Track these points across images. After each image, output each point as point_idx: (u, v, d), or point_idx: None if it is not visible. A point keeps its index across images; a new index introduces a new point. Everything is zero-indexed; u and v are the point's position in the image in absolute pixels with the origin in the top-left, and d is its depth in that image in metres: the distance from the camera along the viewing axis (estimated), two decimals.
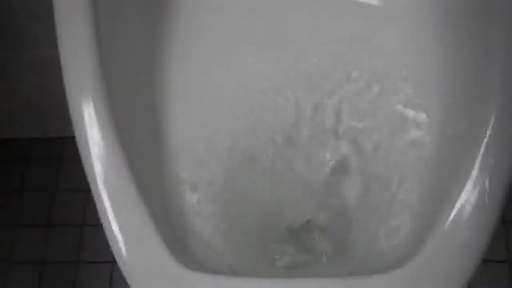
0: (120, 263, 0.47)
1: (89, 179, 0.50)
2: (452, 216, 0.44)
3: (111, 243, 0.47)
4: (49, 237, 1.04)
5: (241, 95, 0.67)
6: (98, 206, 0.49)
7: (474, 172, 0.45)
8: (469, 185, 0.45)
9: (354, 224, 0.65)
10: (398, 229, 0.56)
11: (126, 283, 0.47)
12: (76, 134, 0.51)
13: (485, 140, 0.46)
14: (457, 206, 0.45)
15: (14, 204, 1.08)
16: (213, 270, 0.51)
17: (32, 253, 1.04)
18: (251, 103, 0.66)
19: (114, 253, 0.47)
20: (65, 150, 1.11)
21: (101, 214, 0.48)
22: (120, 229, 0.47)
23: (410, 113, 0.62)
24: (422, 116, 0.61)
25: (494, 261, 0.92)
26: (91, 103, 0.51)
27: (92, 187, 0.49)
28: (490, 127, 0.46)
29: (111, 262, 1.00)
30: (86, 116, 0.51)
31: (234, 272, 0.55)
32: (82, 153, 0.51)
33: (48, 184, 1.09)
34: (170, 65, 0.66)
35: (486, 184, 0.45)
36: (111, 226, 0.47)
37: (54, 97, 0.98)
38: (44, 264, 1.03)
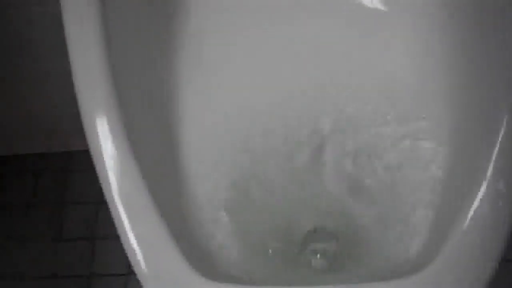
0: (139, 275, 0.47)
1: (105, 191, 0.50)
2: (469, 218, 0.44)
3: (129, 255, 0.47)
4: (59, 251, 1.04)
5: (254, 97, 0.67)
6: (114, 218, 0.49)
7: (489, 173, 0.45)
8: (484, 186, 0.45)
9: (367, 231, 0.65)
10: (414, 233, 0.55)
11: None
12: (90, 147, 0.52)
13: (499, 140, 0.46)
14: (474, 207, 0.44)
15: (24, 218, 1.08)
16: (232, 279, 0.51)
17: (43, 267, 1.03)
18: (265, 105, 0.66)
19: (133, 265, 0.47)
20: (71, 164, 1.11)
21: (118, 226, 0.48)
22: (137, 241, 0.47)
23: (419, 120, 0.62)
24: (432, 123, 0.61)
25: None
26: (105, 116, 0.52)
27: (108, 199, 0.49)
28: (503, 127, 0.46)
29: (125, 274, 1.00)
30: (99, 129, 0.51)
31: (252, 280, 0.55)
32: (97, 166, 0.51)
33: (57, 198, 1.09)
34: (182, 71, 0.66)
35: (501, 185, 0.45)
36: (128, 238, 0.47)
37: (57, 110, 0.99)
38: (56, 278, 1.03)
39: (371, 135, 0.64)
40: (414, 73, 0.64)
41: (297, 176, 0.66)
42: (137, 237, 0.47)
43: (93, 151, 0.51)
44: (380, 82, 0.65)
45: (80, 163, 1.09)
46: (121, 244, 0.48)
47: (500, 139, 0.46)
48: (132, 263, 0.47)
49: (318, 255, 0.65)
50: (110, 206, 0.49)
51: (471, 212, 0.44)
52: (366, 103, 0.65)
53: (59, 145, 1.12)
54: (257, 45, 0.68)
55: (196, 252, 0.53)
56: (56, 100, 0.98)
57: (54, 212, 1.08)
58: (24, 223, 1.07)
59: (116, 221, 0.48)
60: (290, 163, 0.66)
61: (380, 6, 0.68)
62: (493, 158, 0.45)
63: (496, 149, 0.46)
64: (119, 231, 0.48)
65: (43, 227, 1.07)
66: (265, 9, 0.69)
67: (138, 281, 0.48)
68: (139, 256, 0.47)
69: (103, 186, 0.50)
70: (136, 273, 0.47)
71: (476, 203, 0.44)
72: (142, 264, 0.47)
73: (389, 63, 0.66)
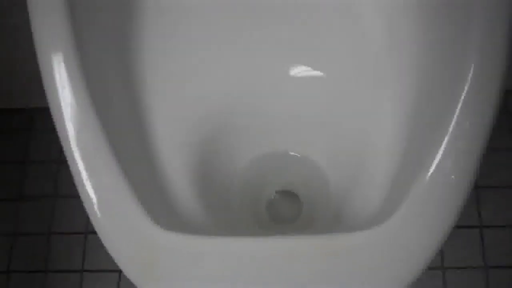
0: (95, 224, 0.46)
1: (62, 141, 0.49)
2: (430, 173, 0.44)
3: (85, 204, 0.47)
4: (20, 210, 1.03)
5: (220, 63, 0.66)
6: (71, 168, 0.48)
7: (451, 129, 0.45)
8: (446, 142, 0.45)
9: (330, 188, 0.65)
10: (374, 189, 0.56)
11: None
12: (48, 96, 0.50)
13: (462, 98, 0.46)
14: (435, 163, 0.45)
15: None
16: (191, 230, 0.50)
17: (3, 226, 1.02)
18: (230, 73, 0.65)
19: (89, 214, 0.46)
20: (35, 122, 1.09)
21: (74, 175, 0.47)
22: (94, 190, 0.46)
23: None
24: (395, 83, 0.60)
25: (465, 227, 0.94)
26: (63, 63, 0.50)
27: (65, 149, 0.48)
28: (466, 86, 0.46)
29: (84, 232, 0.99)
30: (57, 77, 0.50)
31: (211, 232, 0.55)
32: (54, 114, 0.49)
33: (19, 156, 1.07)
34: (145, 27, 0.64)
35: (463, 142, 0.45)
36: (85, 187, 0.47)
37: (20, 67, 0.96)
38: (15, 236, 1.02)
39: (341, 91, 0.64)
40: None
41: (261, 147, 0.66)
42: (93, 186, 0.47)
43: (50, 100, 0.50)
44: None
45: (43, 121, 1.08)
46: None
47: (463, 97, 0.46)
48: (89, 214, 0.46)
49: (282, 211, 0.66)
50: (67, 155, 0.48)
51: (433, 167, 0.44)
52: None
53: (21, 102, 1.09)
54: (229, 34, 0.67)
55: (156, 203, 0.52)
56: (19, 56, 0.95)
57: (15, 169, 1.06)
58: None
59: (72, 170, 0.47)
60: (256, 134, 0.66)
61: None
62: (455, 115, 0.45)
63: (459, 107, 0.45)
64: (75, 179, 0.47)
65: (4, 186, 1.05)
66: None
67: (97, 239, 0.47)
68: (95, 205, 0.46)
69: (60, 134, 0.49)
70: (93, 224, 0.47)
71: (438, 159, 0.44)
72: (98, 213, 0.46)
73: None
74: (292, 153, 0.69)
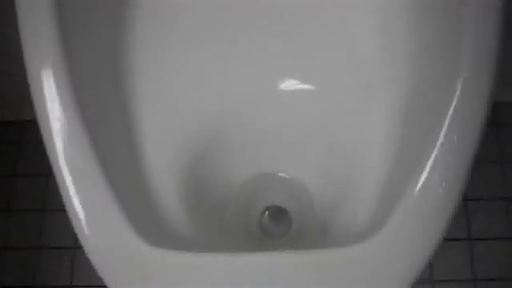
0: (82, 240, 0.46)
1: (50, 155, 0.48)
2: (418, 187, 0.44)
3: (72, 220, 0.46)
4: (8, 222, 1.02)
5: (211, 76, 0.66)
6: (59, 182, 0.47)
7: (439, 143, 0.45)
8: (434, 156, 0.45)
9: (317, 203, 0.65)
10: (363, 204, 0.56)
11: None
12: (36, 109, 0.50)
13: (450, 112, 0.46)
14: (424, 176, 0.45)
15: None
16: (179, 246, 0.50)
17: None
18: (221, 86, 0.65)
19: (76, 230, 0.46)
20: (25, 134, 1.09)
21: (62, 191, 0.47)
22: (82, 205, 0.46)
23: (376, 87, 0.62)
24: (385, 92, 0.61)
25: (455, 239, 0.94)
26: (52, 77, 0.50)
27: (52, 163, 0.48)
28: (455, 98, 0.46)
29: (73, 247, 0.99)
30: (46, 91, 0.49)
31: (201, 249, 0.55)
32: (42, 128, 0.49)
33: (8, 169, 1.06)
34: (136, 41, 0.64)
35: (451, 156, 0.45)
36: (72, 203, 0.46)
37: (11, 79, 0.96)
38: (3, 249, 1.01)
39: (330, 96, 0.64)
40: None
41: (252, 163, 0.66)
42: (81, 202, 0.46)
43: (38, 114, 0.49)
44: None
45: (34, 135, 1.07)
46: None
47: (451, 111, 0.46)
48: (76, 229, 0.46)
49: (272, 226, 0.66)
50: (55, 170, 0.48)
51: (421, 180, 0.44)
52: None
53: (11, 114, 1.09)
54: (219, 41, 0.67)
55: (144, 219, 0.52)
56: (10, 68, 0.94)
57: (4, 182, 1.05)
58: None
59: (60, 185, 0.47)
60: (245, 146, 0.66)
61: None
62: (444, 129, 0.45)
63: (447, 120, 0.45)
64: (63, 195, 0.46)
65: None
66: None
67: (84, 253, 0.46)
68: (83, 221, 0.46)
69: (48, 149, 0.48)
70: (80, 241, 0.46)
71: (426, 172, 0.44)
72: (85, 229, 0.46)
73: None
74: (281, 174, 0.69)
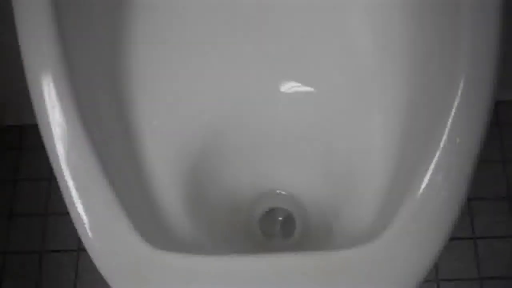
0: (86, 245, 0.46)
1: (52, 161, 0.48)
2: (422, 187, 0.44)
3: (76, 225, 0.46)
4: (11, 227, 1.02)
5: (210, 78, 0.65)
6: (61, 187, 0.47)
7: (443, 144, 0.45)
8: (437, 156, 0.45)
9: (318, 206, 0.65)
10: (365, 207, 0.55)
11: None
12: (37, 115, 0.50)
13: (453, 111, 0.45)
14: (427, 177, 0.44)
15: None
16: (182, 249, 0.50)
17: None
18: (220, 88, 0.65)
19: (80, 235, 0.46)
20: (25, 138, 1.08)
21: (64, 196, 0.47)
22: (85, 210, 0.46)
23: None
24: (387, 95, 0.60)
25: (459, 238, 0.94)
26: (52, 83, 0.50)
27: (55, 169, 0.48)
28: (457, 98, 0.46)
29: (76, 250, 0.99)
30: (46, 96, 0.49)
31: (203, 252, 0.55)
32: (44, 134, 0.49)
33: (10, 173, 1.06)
34: (134, 44, 0.64)
35: (454, 157, 0.45)
36: (75, 207, 0.46)
37: (10, 84, 0.95)
38: (5, 254, 1.00)
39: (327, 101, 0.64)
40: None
41: (251, 161, 0.66)
42: (84, 206, 0.46)
43: (39, 120, 0.49)
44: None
45: (34, 138, 1.06)
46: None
47: (453, 111, 0.45)
48: (80, 234, 0.46)
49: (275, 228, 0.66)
50: (57, 176, 0.47)
51: (425, 182, 0.44)
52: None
53: (12, 119, 1.09)
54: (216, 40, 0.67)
55: (147, 222, 0.52)
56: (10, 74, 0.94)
57: (5, 188, 1.05)
58: None
59: (62, 190, 0.47)
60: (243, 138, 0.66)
61: None
62: (447, 129, 0.45)
63: (450, 121, 0.45)
64: (66, 200, 0.46)
65: None
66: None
67: (89, 257, 0.46)
68: (86, 225, 0.46)
69: (50, 155, 0.48)
70: (84, 245, 0.46)
71: (429, 173, 0.44)
72: (90, 233, 0.45)
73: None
74: (281, 177, 0.68)
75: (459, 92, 0.46)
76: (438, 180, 0.44)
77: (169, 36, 0.66)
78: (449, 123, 0.45)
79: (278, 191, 0.69)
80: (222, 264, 0.45)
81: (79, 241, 0.97)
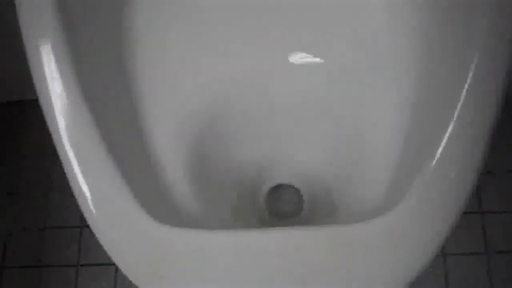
0: (89, 221, 0.45)
1: (53, 135, 0.47)
2: (434, 162, 0.43)
3: (79, 201, 0.45)
4: (14, 204, 1.01)
5: (220, 50, 0.64)
6: (63, 163, 0.46)
7: (453, 125, 0.44)
8: (451, 129, 0.44)
9: (327, 181, 0.64)
10: (375, 181, 0.54)
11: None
12: (37, 88, 0.48)
13: (465, 88, 0.44)
14: (440, 151, 0.43)
15: None
16: (186, 224, 0.49)
17: None
18: (230, 59, 0.64)
19: (83, 211, 0.45)
20: (28, 114, 1.07)
21: (67, 172, 0.46)
22: (88, 186, 0.45)
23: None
24: (398, 75, 0.59)
25: (466, 213, 0.93)
26: (52, 54, 0.48)
27: (56, 143, 0.47)
28: (468, 79, 0.44)
29: (79, 226, 0.98)
30: (46, 67, 0.48)
31: (207, 226, 0.54)
32: (44, 108, 0.48)
33: (12, 150, 1.05)
34: (140, 17, 0.62)
35: (467, 133, 0.43)
36: (78, 184, 0.45)
37: (12, 59, 0.94)
38: (13, 231, 1.00)
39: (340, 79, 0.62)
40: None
41: (259, 134, 0.65)
42: (88, 183, 0.45)
43: (39, 93, 0.48)
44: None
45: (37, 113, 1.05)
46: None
47: (468, 83, 0.44)
48: (83, 211, 0.45)
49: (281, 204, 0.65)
50: (59, 151, 0.46)
51: (439, 154, 0.43)
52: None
53: (14, 95, 1.07)
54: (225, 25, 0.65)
55: (152, 198, 0.51)
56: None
57: (8, 165, 1.04)
58: None
59: (64, 165, 0.46)
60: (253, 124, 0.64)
61: None
62: (461, 101, 0.44)
63: (463, 95, 0.44)
64: (68, 175, 0.45)
65: None
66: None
67: (91, 232, 0.45)
68: (91, 203, 0.45)
69: (52, 131, 0.47)
70: (88, 222, 0.45)
71: (443, 147, 0.43)
72: (94, 211, 0.44)
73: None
74: (290, 151, 0.67)
75: (474, 64, 0.44)
76: (452, 153, 0.43)
77: (177, 11, 0.64)
78: (463, 95, 0.44)
79: (286, 167, 0.68)
80: (230, 238, 0.44)
81: (82, 216, 0.96)
